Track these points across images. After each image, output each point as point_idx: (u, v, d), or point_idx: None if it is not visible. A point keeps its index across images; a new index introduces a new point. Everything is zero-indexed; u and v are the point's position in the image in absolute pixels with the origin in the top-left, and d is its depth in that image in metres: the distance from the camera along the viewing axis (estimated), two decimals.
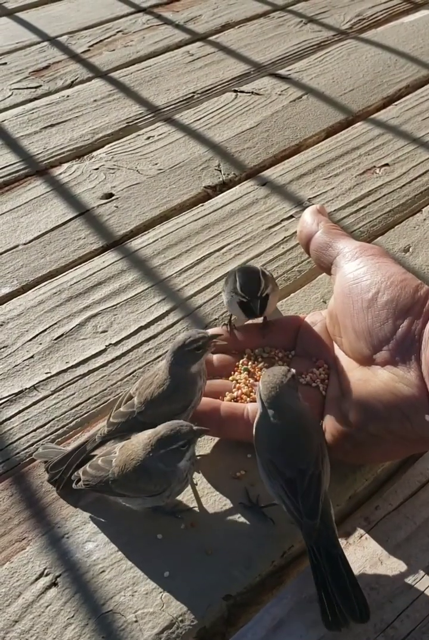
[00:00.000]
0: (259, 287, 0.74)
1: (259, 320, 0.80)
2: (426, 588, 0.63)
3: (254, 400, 0.73)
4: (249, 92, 1.40)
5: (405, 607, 0.62)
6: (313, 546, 0.61)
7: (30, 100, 1.43)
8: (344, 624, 0.59)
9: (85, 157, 1.24)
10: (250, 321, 0.81)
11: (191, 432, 0.64)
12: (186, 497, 0.70)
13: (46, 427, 0.78)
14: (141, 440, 0.66)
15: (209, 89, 1.43)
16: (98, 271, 0.99)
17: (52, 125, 1.33)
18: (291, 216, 1.07)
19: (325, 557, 0.61)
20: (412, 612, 0.61)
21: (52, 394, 0.82)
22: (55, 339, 0.89)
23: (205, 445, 0.74)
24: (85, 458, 0.71)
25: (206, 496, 0.70)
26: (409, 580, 0.64)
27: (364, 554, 0.66)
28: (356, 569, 0.64)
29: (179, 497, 0.69)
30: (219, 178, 1.17)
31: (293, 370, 0.66)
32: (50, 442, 0.76)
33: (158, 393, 0.69)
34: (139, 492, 0.66)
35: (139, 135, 1.30)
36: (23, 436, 0.77)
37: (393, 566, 0.65)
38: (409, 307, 0.63)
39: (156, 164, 1.22)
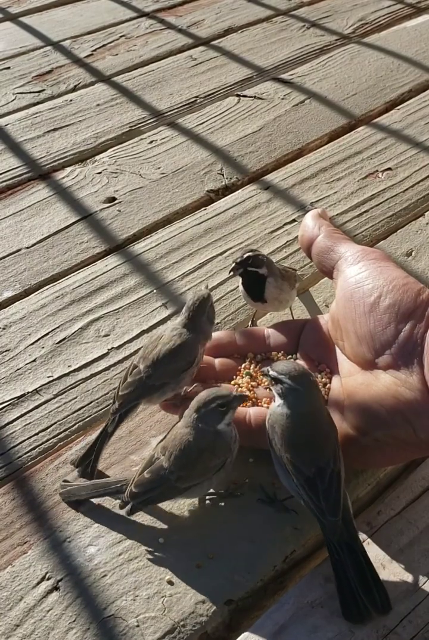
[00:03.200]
0: (245, 257, 0.80)
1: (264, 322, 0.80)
2: (428, 594, 0.63)
3: (256, 404, 0.73)
4: (251, 97, 1.40)
5: (407, 613, 0.62)
6: (335, 542, 0.61)
7: (34, 105, 1.43)
8: (366, 616, 0.60)
9: (88, 161, 1.25)
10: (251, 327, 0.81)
11: (229, 395, 0.65)
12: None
13: (48, 430, 0.78)
14: (181, 425, 0.66)
15: (212, 93, 1.43)
16: (100, 275, 0.99)
17: (55, 129, 1.34)
18: (294, 220, 1.07)
19: (347, 551, 0.61)
20: (414, 617, 0.61)
21: (54, 398, 0.82)
22: (58, 343, 0.89)
23: None
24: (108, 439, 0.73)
25: (207, 502, 0.70)
26: (412, 585, 0.64)
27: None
28: None
29: None
30: (222, 182, 1.17)
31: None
32: (65, 480, 0.72)
33: (164, 352, 0.72)
34: (205, 473, 0.66)
35: (142, 139, 1.30)
36: (25, 440, 0.77)
37: (396, 571, 0.65)
38: (411, 311, 0.63)
39: (159, 168, 1.22)
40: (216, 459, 0.65)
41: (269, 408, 0.68)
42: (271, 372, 0.66)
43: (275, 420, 0.65)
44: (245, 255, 0.81)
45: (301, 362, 0.74)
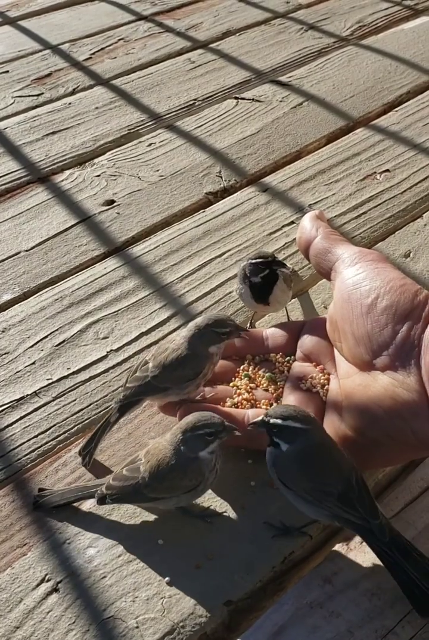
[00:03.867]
0: (273, 257, 0.81)
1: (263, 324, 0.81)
2: None
3: (254, 406, 0.73)
4: (250, 99, 1.41)
5: (406, 613, 0.62)
6: (384, 544, 0.61)
7: (32, 108, 1.43)
8: None
9: (87, 164, 1.25)
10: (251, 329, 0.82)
11: (221, 425, 0.65)
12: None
13: (48, 433, 0.78)
14: (168, 438, 0.66)
15: (210, 96, 1.43)
16: (99, 277, 0.99)
17: (54, 133, 1.34)
18: (292, 222, 1.08)
19: (396, 549, 0.61)
20: (413, 618, 0.62)
21: (53, 400, 0.82)
22: (57, 345, 0.89)
23: None
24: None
25: (206, 502, 0.70)
26: None
27: (365, 560, 0.66)
28: (358, 574, 0.64)
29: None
30: (220, 184, 1.18)
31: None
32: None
33: (172, 357, 0.72)
34: (174, 491, 0.66)
35: (140, 142, 1.30)
36: (24, 442, 0.77)
37: None
38: (409, 312, 0.63)
39: (158, 170, 1.22)
40: (187, 480, 0.65)
41: (268, 451, 0.66)
42: (273, 421, 0.64)
43: (285, 463, 0.64)
44: (267, 257, 0.81)
45: (296, 367, 0.75)
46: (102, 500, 0.67)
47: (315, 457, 0.63)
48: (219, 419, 0.65)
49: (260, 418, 0.65)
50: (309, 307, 0.92)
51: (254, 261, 0.82)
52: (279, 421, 0.63)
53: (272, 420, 0.64)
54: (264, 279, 0.82)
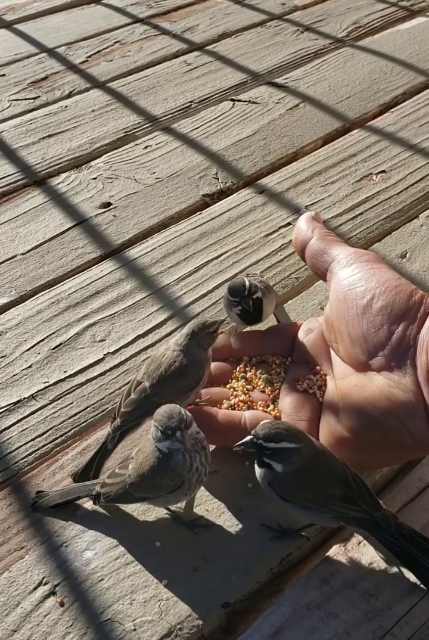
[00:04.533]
0: (245, 288, 0.78)
1: (259, 328, 0.80)
2: (425, 594, 0.63)
3: (251, 408, 0.73)
4: (246, 101, 1.41)
5: (404, 614, 0.62)
6: (389, 535, 0.61)
7: (29, 111, 1.43)
8: None
9: (83, 166, 1.25)
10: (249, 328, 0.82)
11: (172, 424, 0.63)
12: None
13: (45, 436, 0.78)
14: (149, 440, 0.66)
15: (207, 98, 1.43)
16: (96, 280, 0.99)
17: (50, 136, 1.34)
18: (289, 223, 1.08)
19: (401, 537, 0.61)
20: (411, 619, 0.61)
21: (50, 404, 0.82)
22: (54, 349, 0.89)
23: None
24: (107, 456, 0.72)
25: (204, 503, 0.70)
26: (408, 586, 0.64)
27: (362, 561, 0.66)
28: (355, 575, 0.64)
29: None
30: (217, 186, 1.18)
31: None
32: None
33: (172, 370, 0.71)
34: (158, 490, 0.65)
35: (137, 144, 1.30)
36: (22, 445, 0.77)
37: (392, 572, 0.65)
38: (404, 312, 0.63)
39: (154, 173, 1.22)
40: (168, 480, 0.64)
41: (258, 470, 0.64)
42: (267, 444, 0.62)
43: (282, 483, 0.63)
44: (246, 286, 0.78)
45: (292, 369, 0.75)
46: (96, 499, 0.67)
47: (313, 470, 0.63)
48: (178, 414, 0.63)
49: (248, 439, 0.63)
50: (306, 309, 0.92)
51: (230, 298, 0.79)
52: (272, 444, 0.62)
53: (265, 443, 0.62)
54: (248, 306, 0.78)
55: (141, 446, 0.68)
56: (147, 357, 0.77)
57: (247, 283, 0.78)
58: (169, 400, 0.68)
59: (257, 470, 0.64)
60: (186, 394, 0.71)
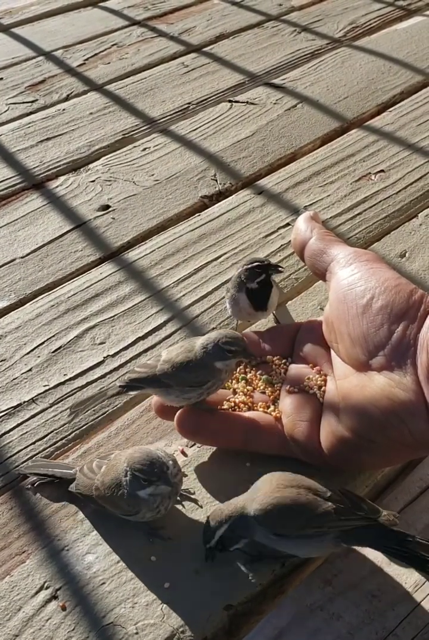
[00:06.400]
0: (270, 265, 0.81)
1: (259, 327, 0.80)
2: (428, 595, 0.63)
3: (251, 409, 0.73)
4: (244, 102, 1.41)
5: (407, 614, 0.62)
6: (394, 544, 0.61)
7: (27, 115, 1.43)
8: None
9: (81, 169, 1.25)
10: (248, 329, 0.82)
11: (158, 475, 0.63)
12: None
13: (45, 439, 0.78)
14: (124, 455, 0.67)
15: (205, 100, 1.43)
16: (95, 283, 0.99)
17: (48, 139, 1.34)
18: (288, 224, 1.08)
19: (403, 541, 0.61)
20: (414, 619, 0.61)
21: (50, 407, 0.82)
22: (53, 352, 0.89)
23: (203, 454, 0.74)
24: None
25: (206, 505, 0.70)
26: (411, 586, 0.64)
27: (365, 561, 0.66)
28: (358, 576, 0.64)
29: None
30: (216, 188, 1.18)
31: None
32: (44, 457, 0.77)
33: (182, 358, 0.71)
34: (115, 508, 0.67)
35: (135, 146, 1.30)
36: (22, 449, 0.77)
37: (395, 573, 0.65)
38: (404, 311, 0.63)
39: (152, 175, 1.22)
40: (125, 504, 0.65)
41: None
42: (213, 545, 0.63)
43: (260, 522, 0.62)
44: (263, 261, 0.80)
45: (293, 369, 0.75)
46: (69, 484, 0.70)
47: (287, 494, 0.62)
48: (159, 468, 0.64)
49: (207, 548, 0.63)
50: (306, 309, 0.92)
51: (249, 266, 0.82)
52: (218, 533, 0.62)
53: (212, 544, 0.63)
54: (261, 285, 0.81)
55: (117, 454, 0.69)
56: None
57: (265, 262, 0.80)
58: (171, 383, 0.70)
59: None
60: (186, 388, 0.71)
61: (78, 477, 0.70)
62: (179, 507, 0.69)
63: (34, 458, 0.76)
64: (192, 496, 0.70)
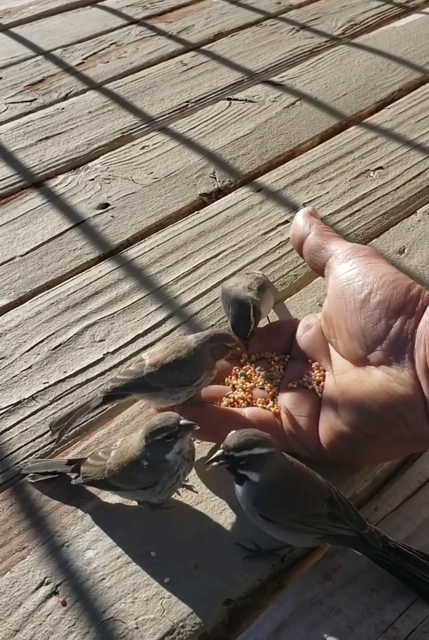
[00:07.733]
0: (249, 327, 0.76)
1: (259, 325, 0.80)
2: None
3: (251, 405, 0.73)
4: (242, 100, 1.41)
5: (406, 607, 0.62)
6: (379, 550, 0.61)
7: (26, 114, 1.43)
8: None
9: (80, 168, 1.25)
10: None
11: (177, 425, 0.64)
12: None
13: (45, 437, 0.78)
14: (136, 435, 0.67)
15: (203, 98, 1.43)
16: (95, 281, 0.99)
17: (47, 138, 1.34)
18: (287, 221, 1.08)
19: (391, 552, 0.61)
20: (413, 612, 0.61)
21: (50, 404, 0.82)
22: (53, 349, 0.89)
23: (203, 450, 0.74)
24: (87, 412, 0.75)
25: (205, 501, 0.70)
26: None
27: (364, 556, 0.66)
28: (357, 570, 0.64)
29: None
30: (215, 185, 1.18)
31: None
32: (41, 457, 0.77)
33: (171, 359, 0.71)
34: (132, 484, 0.67)
35: (134, 145, 1.30)
36: (22, 446, 0.77)
37: None
38: (402, 306, 0.63)
39: (151, 173, 1.22)
40: (143, 476, 0.66)
41: (238, 490, 0.63)
42: (239, 454, 0.60)
43: (266, 499, 0.61)
44: (251, 322, 0.76)
45: (291, 365, 0.75)
46: (76, 470, 0.70)
47: (294, 483, 0.62)
48: (175, 419, 0.65)
49: (219, 452, 0.61)
50: (305, 305, 0.92)
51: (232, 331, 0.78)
52: (245, 452, 0.60)
53: (237, 454, 0.61)
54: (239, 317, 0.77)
55: (127, 437, 0.69)
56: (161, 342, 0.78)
57: (252, 317, 0.76)
58: (160, 386, 0.70)
59: (238, 491, 0.63)
60: (177, 388, 0.71)
61: (83, 468, 0.70)
62: (179, 498, 0.70)
63: (30, 458, 0.75)
64: (194, 489, 0.71)
